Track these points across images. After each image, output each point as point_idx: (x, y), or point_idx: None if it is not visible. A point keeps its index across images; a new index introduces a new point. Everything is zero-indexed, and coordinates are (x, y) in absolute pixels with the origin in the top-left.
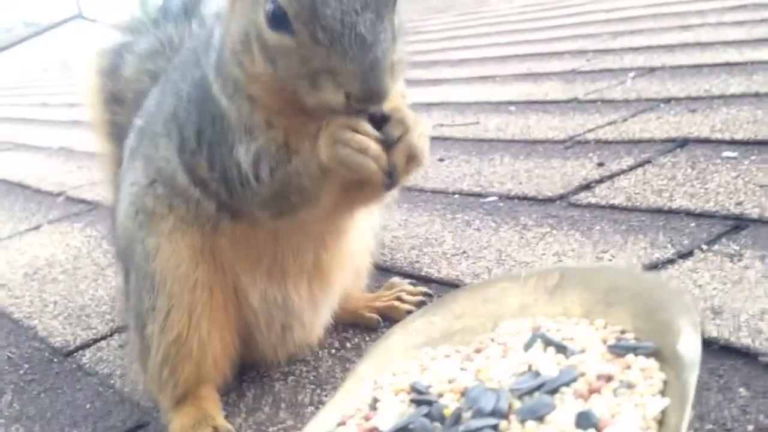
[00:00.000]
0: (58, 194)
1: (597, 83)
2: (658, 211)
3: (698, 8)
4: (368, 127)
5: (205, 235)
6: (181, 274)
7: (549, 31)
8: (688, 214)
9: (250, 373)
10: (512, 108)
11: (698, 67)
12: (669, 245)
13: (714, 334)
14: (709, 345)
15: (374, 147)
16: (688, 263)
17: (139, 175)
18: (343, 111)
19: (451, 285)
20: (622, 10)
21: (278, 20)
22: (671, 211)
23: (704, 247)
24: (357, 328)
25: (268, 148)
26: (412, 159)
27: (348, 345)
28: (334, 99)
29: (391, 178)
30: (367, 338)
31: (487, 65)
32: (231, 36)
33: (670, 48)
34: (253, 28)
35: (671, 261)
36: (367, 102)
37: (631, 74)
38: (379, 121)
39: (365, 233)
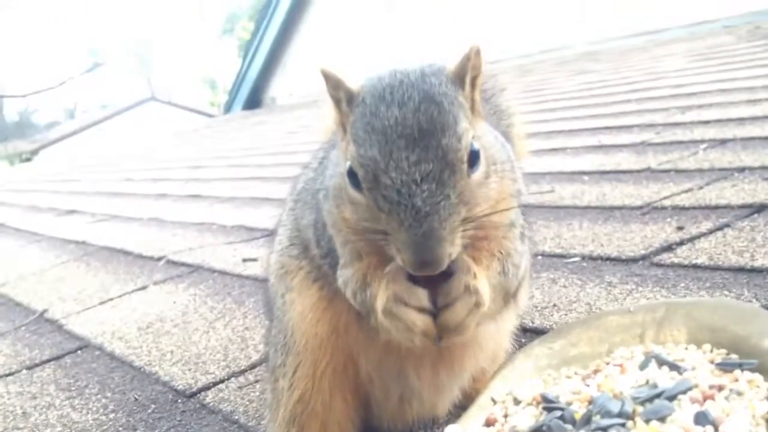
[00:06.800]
0: (159, 258)
1: (669, 154)
2: (741, 269)
3: (765, 83)
4: (420, 297)
5: (325, 295)
6: (306, 328)
7: (615, 106)
8: None
9: None
10: (586, 177)
11: None
12: (754, 300)
13: None
14: None
15: (420, 324)
16: None
17: (285, 236)
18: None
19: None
20: (689, 86)
21: (353, 179)
22: (754, 270)
23: None
24: None
25: (352, 277)
26: (462, 326)
27: None
28: (397, 258)
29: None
30: None
31: (555, 138)
32: (334, 175)
33: (740, 121)
34: (341, 178)
35: None
36: (418, 271)
37: (703, 146)
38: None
39: (508, 318)
